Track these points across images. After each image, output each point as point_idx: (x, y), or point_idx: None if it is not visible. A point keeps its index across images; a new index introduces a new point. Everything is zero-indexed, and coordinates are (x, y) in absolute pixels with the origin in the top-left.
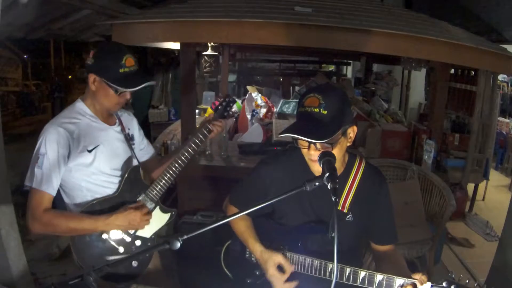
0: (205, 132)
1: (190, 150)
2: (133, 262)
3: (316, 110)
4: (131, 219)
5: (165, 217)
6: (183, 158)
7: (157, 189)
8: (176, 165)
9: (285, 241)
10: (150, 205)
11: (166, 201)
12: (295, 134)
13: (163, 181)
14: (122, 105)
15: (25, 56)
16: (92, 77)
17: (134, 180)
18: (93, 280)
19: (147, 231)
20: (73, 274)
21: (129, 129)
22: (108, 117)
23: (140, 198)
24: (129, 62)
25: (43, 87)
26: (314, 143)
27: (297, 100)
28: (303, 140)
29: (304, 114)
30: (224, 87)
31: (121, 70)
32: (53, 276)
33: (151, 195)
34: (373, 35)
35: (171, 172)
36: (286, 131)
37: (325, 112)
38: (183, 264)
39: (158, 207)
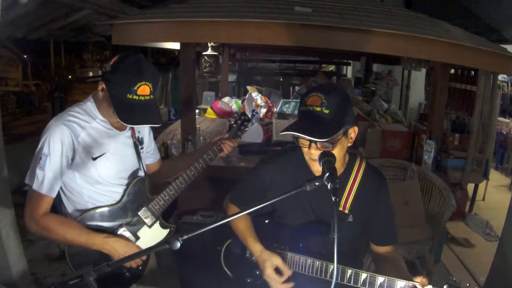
0: (216, 150)
1: (198, 167)
2: (126, 273)
3: (318, 109)
4: (129, 253)
5: (164, 232)
6: (190, 174)
7: (160, 204)
8: (182, 181)
9: (286, 241)
10: (151, 219)
11: None
12: (296, 132)
13: (167, 196)
14: (121, 128)
15: (25, 56)
16: (101, 85)
17: (138, 192)
18: (93, 280)
19: (145, 245)
20: (73, 274)
21: (139, 132)
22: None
23: (142, 210)
24: (142, 90)
25: (43, 87)
26: (315, 142)
27: (297, 100)
28: (304, 139)
29: (305, 112)
30: (224, 87)
31: (129, 96)
32: (53, 276)
33: (153, 210)
34: (373, 35)
35: (176, 188)
36: (288, 129)
37: (326, 111)
38: (183, 264)
39: (158, 222)
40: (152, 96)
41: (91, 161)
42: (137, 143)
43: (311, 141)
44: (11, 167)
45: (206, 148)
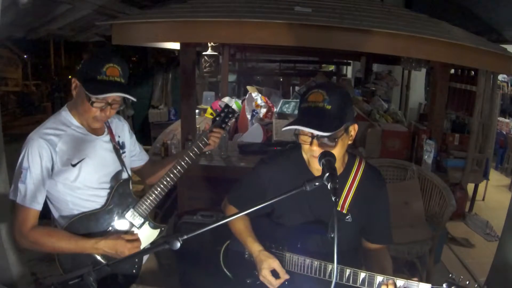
0: (201, 145)
1: (183, 164)
2: (119, 277)
3: (321, 105)
4: (120, 250)
5: (155, 233)
6: (175, 172)
7: (147, 203)
8: (168, 179)
9: (284, 241)
10: (139, 220)
11: (166, 202)
12: (300, 126)
13: (153, 195)
14: (100, 120)
15: (25, 56)
16: (74, 82)
17: (123, 194)
18: (93, 280)
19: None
20: (73, 274)
21: (119, 136)
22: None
23: (129, 212)
24: (110, 71)
25: (43, 87)
26: (318, 137)
27: (297, 100)
28: (305, 135)
29: (308, 109)
30: (224, 87)
31: (99, 78)
32: (53, 276)
33: (140, 210)
34: (373, 35)
35: (162, 186)
36: (290, 124)
37: (329, 107)
38: (183, 264)
39: (147, 223)
40: (122, 80)
41: (71, 168)
42: (117, 147)
43: (313, 137)
44: (11, 167)
45: (192, 145)
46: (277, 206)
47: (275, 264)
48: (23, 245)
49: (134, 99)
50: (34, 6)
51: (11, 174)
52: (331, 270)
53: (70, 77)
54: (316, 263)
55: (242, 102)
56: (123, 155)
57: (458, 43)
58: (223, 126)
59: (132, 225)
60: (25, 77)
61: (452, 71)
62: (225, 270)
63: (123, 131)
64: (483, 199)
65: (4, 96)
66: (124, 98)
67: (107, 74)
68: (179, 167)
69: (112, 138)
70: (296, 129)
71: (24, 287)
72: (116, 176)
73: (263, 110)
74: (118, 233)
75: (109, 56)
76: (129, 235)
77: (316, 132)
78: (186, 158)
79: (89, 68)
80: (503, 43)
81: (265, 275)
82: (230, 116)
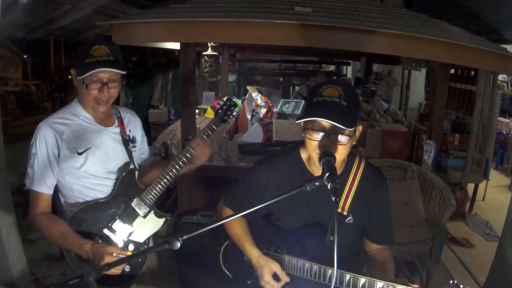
0: (204, 136)
1: (188, 154)
2: (126, 267)
3: (337, 100)
4: (98, 259)
5: (160, 222)
6: (180, 162)
7: (153, 193)
8: (173, 169)
9: (283, 245)
10: (144, 209)
11: (166, 202)
12: (319, 118)
13: (159, 185)
14: (102, 102)
15: (25, 56)
16: (72, 73)
17: (128, 184)
18: (93, 280)
19: (141, 236)
20: (73, 274)
21: (130, 130)
22: (105, 118)
23: (134, 201)
24: (97, 52)
25: (43, 87)
26: (333, 133)
27: (297, 100)
28: (316, 132)
29: (323, 103)
30: (224, 87)
31: (87, 60)
32: (53, 276)
33: (146, 200)
34: (373, 35)
35: (167, 176)
36: (305, 116)
37: (345, 103)
38: (183, 264)
39: (152, 212)
40: (111, 58)
41: (77, 156)
42: (127, 139)
43: (326, 133)
44: (11, 167)
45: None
46: (275, 208)
47: (275, 267)
48: (34, 227)
49: (124, 72)
50: (34, 6)
51: (12, 175)
52: (330, 274)
53: (70, 77)
54: (315, 267)
55: (242, 102)
56: (133, 149)
57: (458, 43)
58: (225, 118)
59: (137, 214)
60: (25, 77)
61: (452, 71)
62: (225, 270)
63: (136, 127)
64: (483, 199)
65: (4, 96)
66: (122, 78)
67: (94, 55)
68: (183, 158)
69: (123, 131)
70: (305, 124)
71: (24, 287)
72: (123, 168)
73: (263, 110)
74: (109, 244)
75: (98, 40)
76: (118, 250)
77: (338, 125)
78: (191, 149)
79: (79, 54)
80: (503, 43)
81: (268, 280)
82: (232, 109)
